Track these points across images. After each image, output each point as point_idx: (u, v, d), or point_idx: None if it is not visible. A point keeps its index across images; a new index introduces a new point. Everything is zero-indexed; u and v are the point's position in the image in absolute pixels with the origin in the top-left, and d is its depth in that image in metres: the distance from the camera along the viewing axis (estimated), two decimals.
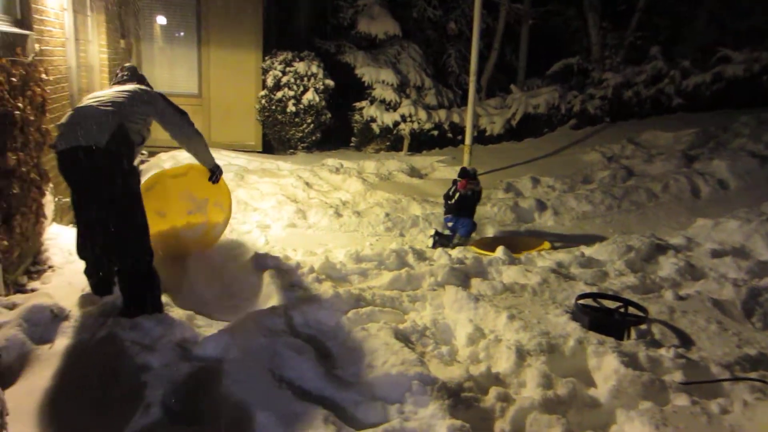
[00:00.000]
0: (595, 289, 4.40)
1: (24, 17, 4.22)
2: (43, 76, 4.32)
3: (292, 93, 10.02)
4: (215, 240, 4.86)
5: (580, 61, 13.27)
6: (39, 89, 4.18)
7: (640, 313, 3.78)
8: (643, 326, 3.75)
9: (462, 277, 4.74)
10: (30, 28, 4.25)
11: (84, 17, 6.33)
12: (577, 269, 5.08)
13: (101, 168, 3.39)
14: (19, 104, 3.76)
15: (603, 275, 4.90)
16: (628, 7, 13.35)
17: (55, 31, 4.91)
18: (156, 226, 4.19)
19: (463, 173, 6.09)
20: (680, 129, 9.56)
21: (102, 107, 3.47)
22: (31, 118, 3.98)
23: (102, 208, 3.47)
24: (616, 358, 3.16)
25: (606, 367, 3.17)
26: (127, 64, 4.09)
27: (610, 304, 3.94)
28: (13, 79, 3.68)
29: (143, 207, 3.62)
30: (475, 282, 4.68)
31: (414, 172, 9.43)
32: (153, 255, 3.65)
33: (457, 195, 5.92)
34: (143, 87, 3.82)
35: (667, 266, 4.96)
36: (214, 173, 4.32)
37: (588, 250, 5.55)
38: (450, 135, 11.95)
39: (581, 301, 3.99)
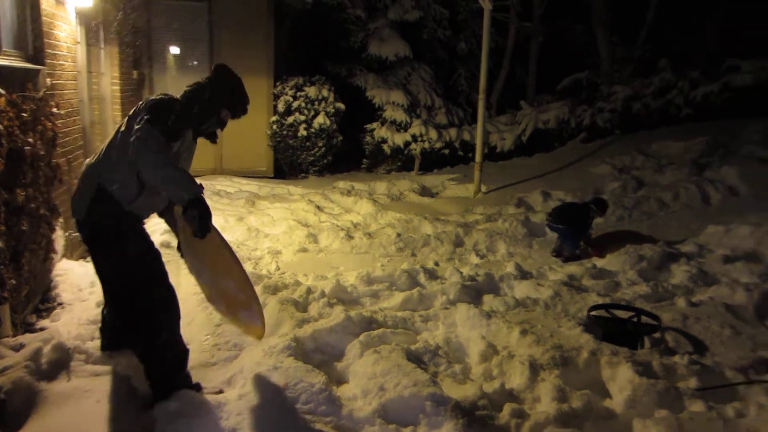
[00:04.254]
0: (607, 300, 4.41)
1: (37, 52, 4.19)
2: (54, 110, 4.21)
3: (303, 117, 10.19)
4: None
5: (589, 75, 13.36)
6: (50, 124, 4.03)
7: (653, 322, 3.78)
8: (657, 334, 3.75)
9: (474, 294, 4.76)
10: (42, 63, 4.21)
11: (97, 49, 6.44)
12: (589, 281, 5.09)
13: (90, 241, 2.87)
14: (30, 139, 3.60)
15: (615, 285, 4.90)
16: (637, 22, 13.46)
17: (67, 64, 4.88)
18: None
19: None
20: (689, 138, 9.55)
21: (87, 167, 2.86)
22: (42, 152, 3.81)
23: (104, 284, 2.94)
24: (630, 368, 3.17)
25: (620, 377, 3.17)
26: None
27: (623, 314, 3.94)
28: (24, 114, 3.54)
29: (157, 278, 2.87)
30: (488, 298, 4.70)
31: (425, 192, 9.50)
32: (174, 334, 2.92)
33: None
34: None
35: (679, 274, 4.96)
36: (187, 219, 2.56)
37: (600, 262, 5.55)
38: (461, 153, 12.04)
39: (594, 313, 4.00)
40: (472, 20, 13.32)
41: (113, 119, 6.80)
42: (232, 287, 2.99)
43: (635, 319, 3.83)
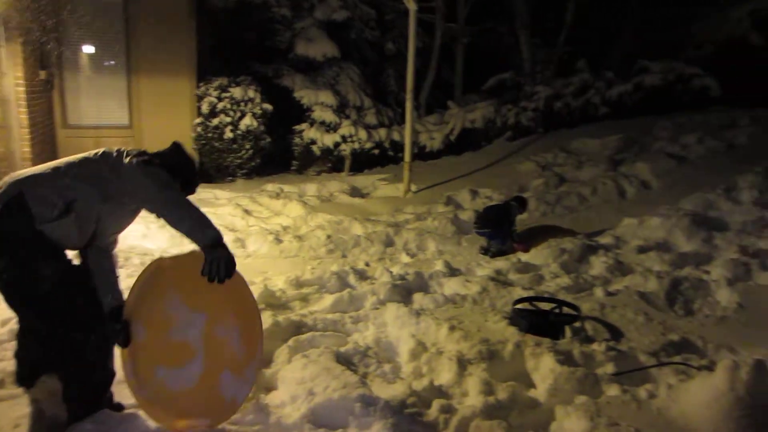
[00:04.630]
0: (532, 293, 4.54)
1: None
2: None
3: (228, 119, 9.93)
4: (230, 408, 2.70)
5: (513, 75, 13.78)
6: None
7: (574, 312, 3.92)
8: (577, 324, 3.89)
9: (404, 293, 4.79)
10: None
11: None
12: (515, 275, 5.24)
13: None
14: None
15: (539, 279, 5.07)
16: (557, 24, 14.02)
17: None
18: (132, 354, 2.59)
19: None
20: (606, 136, 10.03)
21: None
22: None
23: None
24: (552, 358, 3.27)
25: (543, 367, 3.27)
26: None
27: (546, 306, 4.07)
28: None
29: (81, 302, 2.50)
30: (418, 297, 4.74)
31: (356, 192, 9.49)
32: (101, 355, 2.58)
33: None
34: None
35: (598, 265, 5.19)
36: (213, 261, 2.39)
37: (525, 256, 5.72)
38: (391, 153, 12.12)
39: (518, 306, 4.11)
40: (400, 21, 13.43)
41: (18, 122, 6.37)
42: (234, 338, 2.67)
43: (557, 310, 3.97)
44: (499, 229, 6.13)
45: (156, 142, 9.03)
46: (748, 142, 8.70)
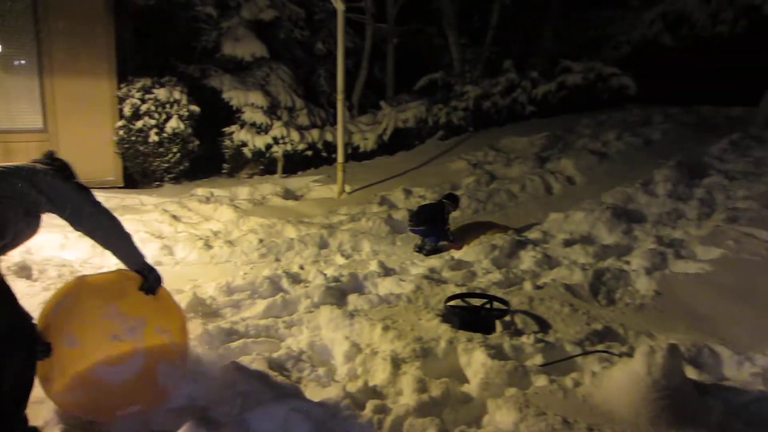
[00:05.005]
0: (464, 290, 4.62)
1: None
2: None
3: (153, 121, 9.56)
4: (161, 394, 3.05)
5: (444, 75, 14.01)
6: None
7: (503, 307, 4.01)
8: (507, 318, 3.98)
9: (339, 295, 4.77)
10: None
11: None
12: (448, 272, 5.31)
13: None
14: None
15: (472, 275, 5.16)
16: (483, 25, 14.37)
17: None
18: (62, 361, 2.75)
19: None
20: (533, 134, 10.37)
21: None
22: None
23: None
24: (483, 352, 3.33)
25: (475, 362, 3.33)
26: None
27: (477, 302, 4.14)
28: None
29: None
30: (352, 298, 4.73)
31: (289, 194, 9.37)
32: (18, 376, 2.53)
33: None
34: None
35: (527, 259, 5.34)
36: (146, 277, 2.88)
37: (457, 254, 5.81)
38: (324, 154, 12.03)
39: (451, 303, 4.17)
40: (329, 20, 13.37)
41: None
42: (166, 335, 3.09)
43: (488, 306, 4.05)
44: (434, 227, 6.20)
45: (74, 147, 8.56)
46: (663, 137, 9.22)
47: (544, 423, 2.60)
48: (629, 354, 3.13)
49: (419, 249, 6.22)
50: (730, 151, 7.92)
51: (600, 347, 3.44)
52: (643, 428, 2.55)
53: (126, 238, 2.83)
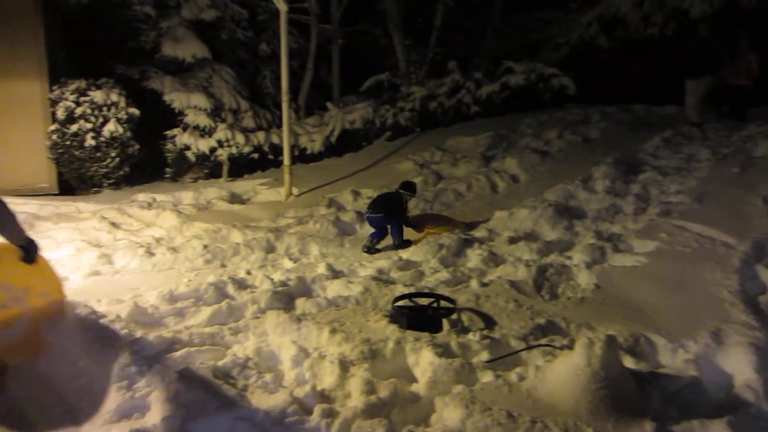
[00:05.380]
0: (413, 289, 4.64)
1: None
2: None
3: (89, 125, 9.20)
4: (44, 345, 3.50)
5: (390, 76, 14.07)
6: None
7: (450, 305, 4.06)
8: (454, 316, 4.03)
9: (286, 299, 4.71)
10: None
11: None
12: (396, 273, 5.32)
13: None
14: None
15: (420, 275, 5.19)
16: (427, 26, 14.52)
17: None
18: None
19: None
20: (478, 133, 10.55)
21: None
22: None
23: None
24: (431, 351, 3.36)
25: (423, 360, 3.35)
26: None
27: (425, 301, 4.17)
28: None
29: None
30: (300, 302, 4.68)
31: (235, 198, 9.19)
32: None
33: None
34: None
35: (473, 257, 5.42)
36: (29, 251, 3.39)
37: (405, 254, 5.84)
38: (271, 156, 11.88)
39: (399, 303, 4.18)
40: (273, 21, 13.22)
41: None
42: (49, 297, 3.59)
43: (435, 305, 4.08)
44: (392, 215, 6.25)
45: (2, 152, 8.14)
46: (600, 135, 9.56)
47: (490, 418, 2.64)
48: (570, 347, 3.21)
49: (368, 249, 6.22)
50: (663, 148, 8.28)
51: (543, 341, 3.53)
52: (583, 418, 2.62)
53: (12, 217, 3.25)
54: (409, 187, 6.67)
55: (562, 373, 2.78)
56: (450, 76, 13.07)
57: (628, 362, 3.16)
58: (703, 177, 6.45)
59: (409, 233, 6.48)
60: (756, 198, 5.52)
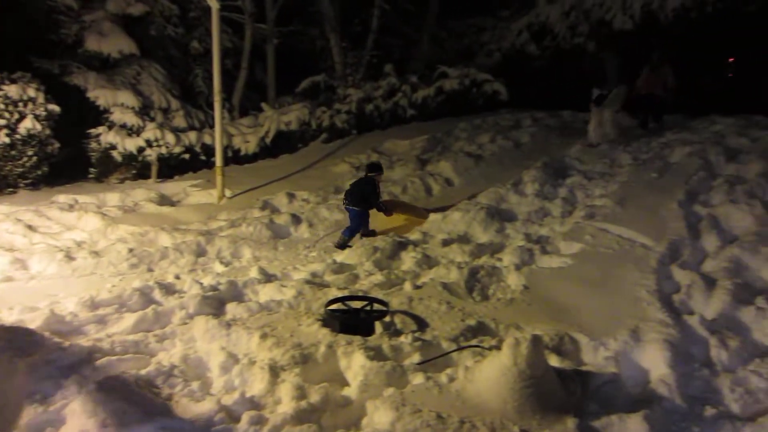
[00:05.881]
0: (347, 293, 4.61)
1: None
2: None
3: (3, 121, 8.64)
4: None
5: (326, 78, 14.01)
6: None
7: (383, 308, 4.06)
8: (387, 319, 4.03)
9: (216, 304, 4.59)
10: None
11: None
12: (330, 276, 5.28)
13: None
14: None
15: (354, 278, 5.17)
16: (364, 29, 14.54)
17: None
18: None
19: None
20: (414, 137, 10.66)
21: None
22: None
23: None
24: (363, 354, 3.35)
25: (355, 364, 3.33)
26: None
27: (358, 304, 4.15)
28: None
29: None
30: (231, 307, 4.57)
31: (165, 200, 8.87)
32: None
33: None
34: None
35: (408, 260, 5.45)
36: None
37: (340, 256, 5.80)
38: (203, 157, 11.57)
39: (332, 307, 4.14)
40: (206, 18, 12.86)
41: None
42: None
43: (368, 308, 4.07)
44: (368, 205, 6.54)
45: None
46: (530, 140, 9.86)
47: (420, 420, 2.65)
48: (499, 347, 3.27)
49: (340, 246, 6.30)
50: (588, 153, 8.62)
51: (473, 342, 3.58)
52: (510, 417, 2.68)
53: None
54: (375, 167, 6.97)
55: (490, 373, 2.84)
56: (386, 80, 13.15)
57: (553, 361, 3.26)
58: (624, 181, 6.75)
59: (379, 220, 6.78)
60: (671, 201, 5.83)
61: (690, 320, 3.78)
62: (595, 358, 3.42)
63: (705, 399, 3.08)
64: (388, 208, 6.73)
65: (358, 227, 6.52)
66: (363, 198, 6.51)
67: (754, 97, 9.60)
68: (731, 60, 10.44)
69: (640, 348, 3.44)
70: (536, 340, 2.85)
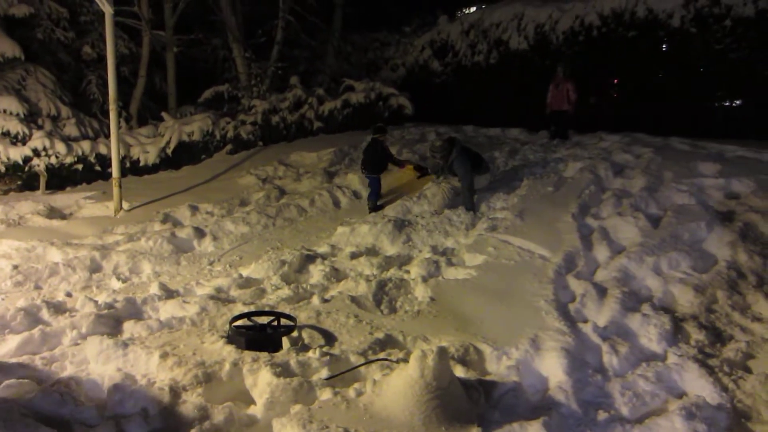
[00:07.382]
0: (253, 308, 4.51)
1: None
2: None
3: None
4: None
5: (230, 88, 13.67)
6: None
7: (290, 323, 4.01)
8: (295, 333, 3.98)
9: (113, 323, 4.35)
10: None
11: None
12: (236, 291, 5.15)
13: None
14: None
15: (261, 292, 5.07)
16: (269, 40, 14.37)
17: None
18: None
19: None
20: (321, 149, 10.63)
21: None
22: None
23: None
24: (269, 371, 3.28)
25: (261, 382, 3.26)
26: None
27: (264, 320, 4.07)
28: None
29: None
30: (128, 325, 4.35)
31: (55, 213, 8.25)
32: None
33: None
34: None
35: (316, 273, 5.42)
36: None
37: (246, 271, 5.67)
38: (98, 168, 10.90)
39: (238, 323, 4.04)
40: (99, 23, 12.19)
41: None
42: None
43: (275, 323, 4.00)
44: (383, 167, 7.58)
45: None
46: None
47: None
48: (406, 359, 3.33)
49: (373, 209, 7.36)
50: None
51: (381, 355, 3.62)
52: (417, 429, 2.73)
53: None
54: (380, 129, 7.68)
55: (397, 386, 2.88)
56: (293, 91, 13.07)
57: (459, 371, 3.35)
58: (523, 195, 7.11)
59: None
60: (566, 214, 6.21)
61: (584, 328, 4.03)
62: (498, 367, 3.56)
63: (598, 404, 3.29)
64: (399, 162, 7.90)
65: (378, 189, 7.55)
66: (377, 162, 7.47)
67: (635, 116, 10.51)
68: (615, 81, 11.34)
69: (539, 356, 3.62)
70: (442, 352, 2.93)
